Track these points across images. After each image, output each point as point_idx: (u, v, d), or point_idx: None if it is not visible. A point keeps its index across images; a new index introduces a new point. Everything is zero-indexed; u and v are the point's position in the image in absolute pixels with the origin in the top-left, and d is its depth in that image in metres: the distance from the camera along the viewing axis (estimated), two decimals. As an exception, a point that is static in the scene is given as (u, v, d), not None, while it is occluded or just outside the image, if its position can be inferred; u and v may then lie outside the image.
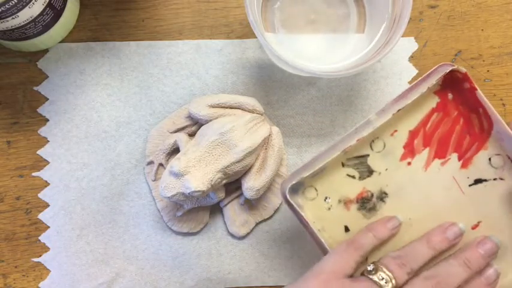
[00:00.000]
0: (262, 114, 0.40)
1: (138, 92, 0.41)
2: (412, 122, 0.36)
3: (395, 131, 0.36)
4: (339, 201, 0.35)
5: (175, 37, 0.42)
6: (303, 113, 0.42)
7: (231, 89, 0.41)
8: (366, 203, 0.35)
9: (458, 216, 0.35)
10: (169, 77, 0.41)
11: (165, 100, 0.41)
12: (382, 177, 0.36)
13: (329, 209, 0.35)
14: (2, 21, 0.34)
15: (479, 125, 0.35)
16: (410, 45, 0.43)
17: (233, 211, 0.40)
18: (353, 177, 0.35)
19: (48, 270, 0.40)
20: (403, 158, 0.36)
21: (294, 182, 0.34)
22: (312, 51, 0.40)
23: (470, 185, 0.36)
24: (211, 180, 0.36)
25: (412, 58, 0.42)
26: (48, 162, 0.40)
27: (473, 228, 0.35)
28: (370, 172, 0.36)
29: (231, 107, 0.40)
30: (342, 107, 0.42)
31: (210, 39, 0.42)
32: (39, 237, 0.40)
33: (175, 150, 0.40)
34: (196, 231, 0.40)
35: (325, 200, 0.35)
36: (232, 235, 0.41)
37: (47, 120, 0.41)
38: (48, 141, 0.41)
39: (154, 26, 0.42)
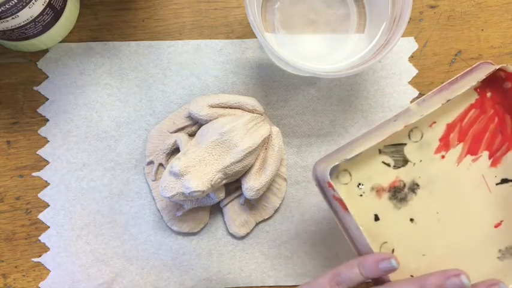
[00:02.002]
0: (262, 114, 0.40)
1: (138, 92, 0.41)
2: (451, 115, 0.36)
3: (434, 122, 0.36)
4: (372, 188, 0.35)
5: (176, 37, 0.42)
6: (303, 113, 0.42)
7: (231, 89, 0.41)
8: (398, 193, 0.35)
9: (483, 213, 0.36)
10: (170, 77, 0.41)
11: (165, 100, 0.41)
12: (416, 168, 0.35)
13: (361, 195, 0.35)
14: (2, 21, 0.34)
15: None
16: (410, 45, 0.43)
17: (233, 211, 0.40)
18: (388, 165, 0.35)
19: (48, 270, 0.40)
20: (437, 150, 0.36)
21: (336, 164, 0.33)
22: (312, 52, 0.40)
23: (497, 184, 0.36)
24: (211, 180, 0.36)
25: (412, 58, 0.42)
26: (48, 162, 0.41)
27: (496, 226, 0.36)
28: (405, 162, 0.35)
29: (231, 107, 0.40)
30: (342, 107, 0.42)
31: (210, 39, 0.42)
32: (39, 237, 0.40)
33: (175, 150, 0.40)
34: (196, 231, 0.40)
35: (358, 186, 0.35)
36: (232, 235, 0.41)
37: (47, 120, 0.41)
38: (48, 141, 0.41)
39: (154, 26, 0.42)
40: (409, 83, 0.42)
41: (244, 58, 0.42)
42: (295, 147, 0.42)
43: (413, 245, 0.35)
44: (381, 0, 0.39)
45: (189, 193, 0.35)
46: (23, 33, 0.37)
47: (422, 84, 0.42)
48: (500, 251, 0.36)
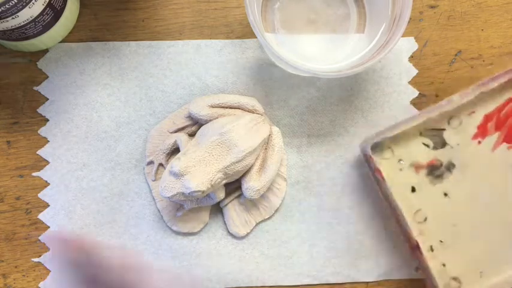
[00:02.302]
0: (262, 114, 0.40)
1: (138, 92, 0.41)
2: (489, 107, 0.40)
3: (473, 111, 0.40)
4: (411, 164, 0.40)
5: (176, 37, 0.42)
6: (303, 113, 0.42)
7: (231, 89, 0.41)
8: (435, 171, 0.40)
9: None
10: (170, 77, 0.41)
11: (165, 100, 0.41)
12: (453, 150, 0.40)
13: (401, 170, 0.40)
14: (2, 21, 0.34)
15: None
16: (410, 45, 0.43)
17: (233, 211, 0.40)
18: (427, 146, 0.40)
19: (48, 270, 0.40)
20: (475, 137, 0.40)
21: (376, 140, 0.38)
22: (312, 51, 0.40)
23: None
24: (211, 180, 0.36)
25: (412, 58, 0.42)
26: (48, 162, 0.41)
27: None
28: (444, 144, 0.40)
29: (231, 107, 0.40)
30: (342, 107, 0.42)
31: (210, 39, 0.42)
32: (39, 237, 0.40)
33: (175, 150, 0.40)
34: (196, 231, 0.40)
35: (398, 162, 0.40)
36: (232, 235, 0.41)
37: (47, 120, 0.41)
38: (48, 141, 0.41)
39: (154, 26, 0.42)
40: (409, 83, 0.42)
41: (244, 58, 0.42)
42: (295, 147, 0.42)
43: (445, 216, 0.39)
44: (380, 0, 0.39)
45: (189, 193, 0.35)
46: (23, 33, 0.37)
47: (422, 84, 0.42)
48: None
